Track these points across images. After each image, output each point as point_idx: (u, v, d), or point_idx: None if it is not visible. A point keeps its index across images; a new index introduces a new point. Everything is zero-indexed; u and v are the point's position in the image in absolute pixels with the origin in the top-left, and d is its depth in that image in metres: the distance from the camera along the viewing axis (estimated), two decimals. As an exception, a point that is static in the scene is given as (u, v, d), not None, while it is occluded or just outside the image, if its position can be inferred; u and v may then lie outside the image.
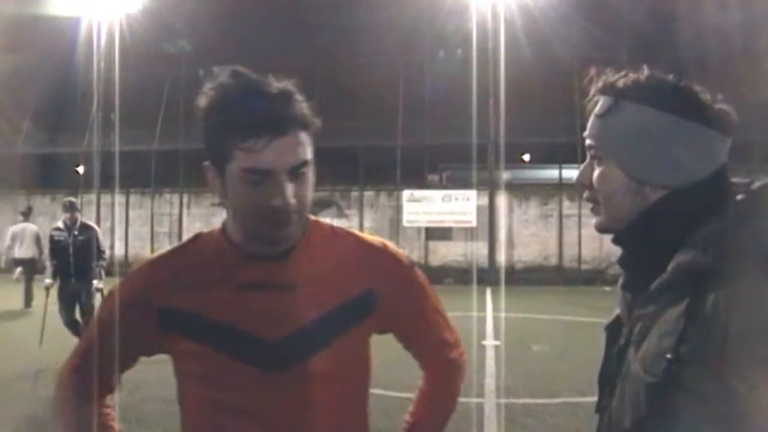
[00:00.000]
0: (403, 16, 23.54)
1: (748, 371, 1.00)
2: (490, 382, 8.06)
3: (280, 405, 1.49)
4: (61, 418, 1.65)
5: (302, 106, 1.43)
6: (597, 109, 1.30)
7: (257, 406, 1.49)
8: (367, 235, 1.68)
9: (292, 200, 1.40)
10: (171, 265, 1.57)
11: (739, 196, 1.19)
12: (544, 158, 27.19)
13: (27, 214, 16.08)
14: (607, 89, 1.29)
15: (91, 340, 1.62)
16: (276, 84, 1.43)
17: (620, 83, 1.27)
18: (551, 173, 25.50)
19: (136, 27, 25.60)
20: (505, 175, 25.01)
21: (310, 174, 1.47)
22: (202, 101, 1.45)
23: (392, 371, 1.75)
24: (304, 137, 1.43)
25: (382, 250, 1.64)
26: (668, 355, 1.08)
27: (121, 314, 1.54)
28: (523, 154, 30.75)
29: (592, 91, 1.32)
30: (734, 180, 1.24)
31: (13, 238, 14.93)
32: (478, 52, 22.61)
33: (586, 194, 1.33)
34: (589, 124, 1.32)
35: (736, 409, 0.99)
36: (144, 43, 25.22)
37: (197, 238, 1.63)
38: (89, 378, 1.60)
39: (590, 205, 1.34)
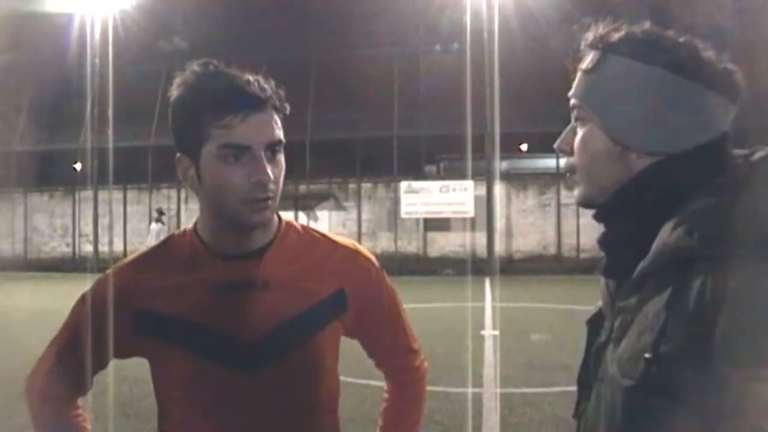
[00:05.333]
0: (398, 8, 23.51)
1: (737, 373, 0.85)
2: (488, 371, 8.07)
3: (257, 403, 1.49)
4: (34, 422, 1.63)
5: (275, 88, 1.46)
6: (584, 65, 1.15)
7: (234, 405, 1.48)
8: (338, 237, 1.68)
9: (272, 177, 1.41)
10: (145, 269, 1.56)
11: (735, 169, 1.03)
12: (542, 147, 27.19)
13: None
14: (597, 42, 1.13)
15: (63, 341, 1.60)
16: (247, 73, 1.46)
17: (612, 36, 1.12)
18: (548, 162, 25.52)
19: (130, 23, 25.52)
20: (502, 165, 25.04)
21: (283, 159, 1.48)
22: (176, 90, 1.47)
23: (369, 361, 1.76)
24: (277, 118, 1.46)
25: (354, 252, 1.65)
26: (646, 355, 0.93)
27: (94, 317, 1.53)
28: (520, 143, 30.76)
29: (582, 46, 1.17)
30: (736, 151, 1.08)
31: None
32: (473, 43, 22.58)
33: (565, 162, 1.18)
34: (575, 83, 1.17)
35: (720, 414, 0.85)
36: (138, 38, 25.14)
37: (169, 239, 1.62)
38: (62, 380, 1.59)
39: (571, 177, 1.18)
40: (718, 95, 1.06)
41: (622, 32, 1.11)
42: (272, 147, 1.43)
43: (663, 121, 1.06)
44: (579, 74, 1.15)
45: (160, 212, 19.82)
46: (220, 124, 1.39)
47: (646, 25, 1.12)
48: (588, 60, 1.14)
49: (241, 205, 1.42)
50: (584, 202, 1.16)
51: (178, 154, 1.49)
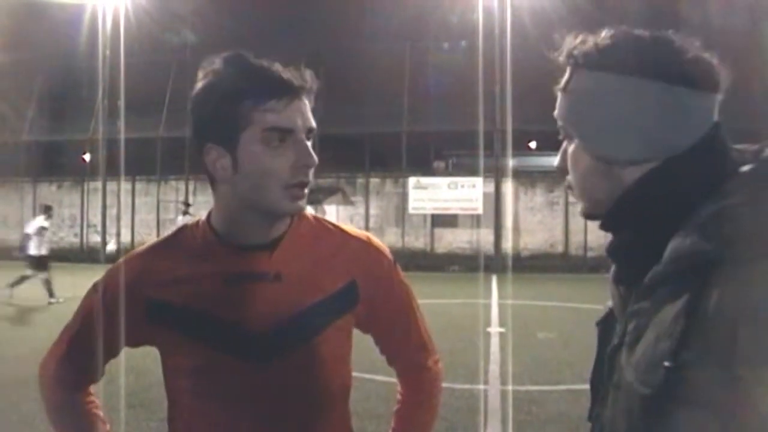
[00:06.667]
0: (409, 2, 23.46)
1: (761, 380, 0.83)
2: (494, 369, 8.08)
3: (267, 396, 1.49)
4: (47, 408, 1.64)
5: (310, 77, 1.46)
6: (560, 82, 1.13)
7: (245, 397, 1.48)
8: (351, 228, 1.67)
9: (316, 160, 1.42)
10: (158, 258, 1.56)
11: (746, 167, 0.99)
12: (551, 145, 26.91)
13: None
14: (567, 58, 1.11)
15: (75, 329, 1.60)
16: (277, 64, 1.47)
17: (578, 50, 1.08)
18: (557, 161, 25.41)
19: (140, 15, 25.57)
20: (511, 162, 24.98)
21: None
22: (205, 80, 1.44)
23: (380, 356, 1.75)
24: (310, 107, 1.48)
25: (367, 243, 1.64)
26: (666, 363, 0.90)
27: (106, 305, 1.53)
28: (529, 141, 30.68)
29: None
30: (738, 147, 1.04)
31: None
32: (484, 39, 22.54)
33: (565, 180, 1.17)
34: (557, 101, 1.15)
35: (742, 423, 0.84)
36: (148, 30, 25.19)
37: (183, 229, 1.62)
38: (74, 367, 1.60)
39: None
40: (700, 91, 1.02)
41: (588, 44, 1.08)
42: (309, 134, 1.45)
43: (641, 130, 1.03)
44: (558, 93, 1.14)
45: (187, 204, 19.45)
46: (264, 108, 1.39)
47: (612, 30, 1.08)
48: (564, 77, 1.12)
49: (281, 191, 1.42)
50: (587, 216, 1.16)
51: (207, 145, 1.45)
